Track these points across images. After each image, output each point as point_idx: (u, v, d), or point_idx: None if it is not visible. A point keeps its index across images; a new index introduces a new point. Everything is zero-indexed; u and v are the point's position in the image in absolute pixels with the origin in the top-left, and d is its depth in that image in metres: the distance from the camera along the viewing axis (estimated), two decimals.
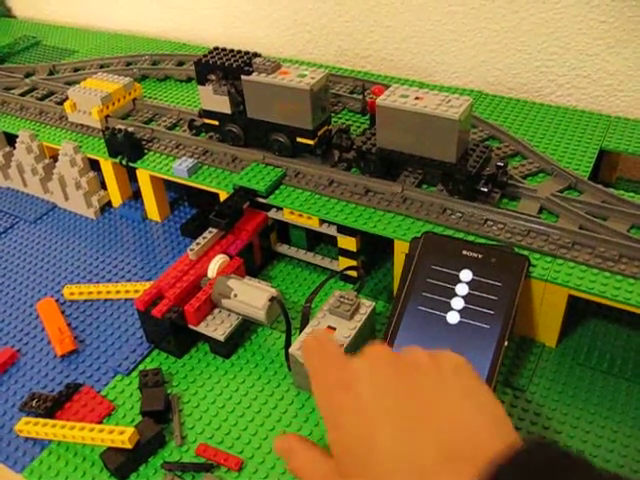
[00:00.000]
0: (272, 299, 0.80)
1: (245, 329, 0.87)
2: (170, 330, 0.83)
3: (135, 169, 1.07)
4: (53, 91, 1.32)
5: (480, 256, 0.78)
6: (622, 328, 0.84)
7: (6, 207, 1.19)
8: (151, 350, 0.87)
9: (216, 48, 1.01)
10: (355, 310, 0.79)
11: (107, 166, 1.10)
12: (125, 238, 1.09)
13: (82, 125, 1.18)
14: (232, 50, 0.99)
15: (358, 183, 0.92)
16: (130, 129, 1.07)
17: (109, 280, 1.00)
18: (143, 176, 1.07)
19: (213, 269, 0.87)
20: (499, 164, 0.87)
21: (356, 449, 0.44)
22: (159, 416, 0.77)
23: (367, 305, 0.81)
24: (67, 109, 1.17)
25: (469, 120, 0.88)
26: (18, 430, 0.78)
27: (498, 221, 0.85)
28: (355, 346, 0.78)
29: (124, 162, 1.06)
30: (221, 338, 0.82)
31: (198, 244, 0.90)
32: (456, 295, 0.76)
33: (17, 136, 1.18)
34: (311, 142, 0.95)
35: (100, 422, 0.78)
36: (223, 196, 0.97)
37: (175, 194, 1.16)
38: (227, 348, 0.84)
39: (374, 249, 0.94)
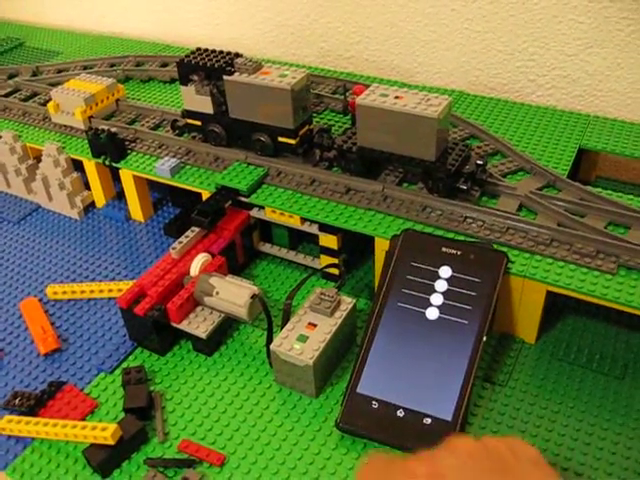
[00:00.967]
0: (254, 296, 0.81)
1: (227, 327, 0.88)
2: (153, 328, 0.83)
3: (118, 169, 1.07)
4: (37, 92, 1.32)
5: (459, 253, 0.79)
6: (600, 323, 0.85)
7: None
8: (134, 348, 0.88)
9: (198, 49, 1.01)
10: (336, 307, 0.80)
11: (91, 166, 1.11)
12: (109, 238, 1.09)
13: (65, 126, 1.18)
14: (214, 51, 1.00)
15: (339, 182, 0.93)
16: (113, 129, 1.08)
17: (92, 279, 1.00)
18: (126, 176, 1.07)
19: (195, 267, 0.88)
20: (478, 162, 0.88)
21: None
22: (142, 413, 0.77)
23: (348, 302, 0.81)
24: (50, 110, 1.17)
25: (448, 119, 0.89)
26: (0, 428, 0.78)
27: (477, 218, 0.86)
28: (335, 342, 0.79)
29: (107, 162, 1.07)
30: (203, 336, 0.83)
31: (180, 243, 0.91)
32: (435, 291, 0.77)
33: (0, 137, 1.18)
34: (293, 141, 0.96)
35: (83, 419, 0.78)
36: (206, 195, 0.98)
37: (158, 194, 1.17)
38: (209, 346, 0.85)
39: (355, 247, 0.95)
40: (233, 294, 0.82)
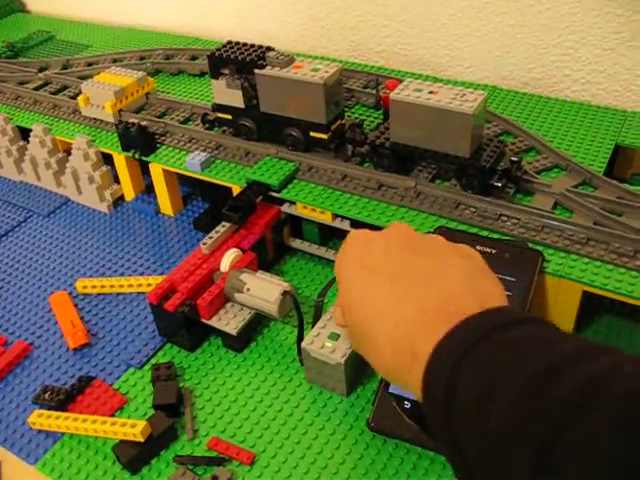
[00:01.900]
0: (285, 293, 0.80)
1: (257, 323, 0.87)
2: (183, 324, 0.83)
3: (148, 163, 1.07)
4: (66, 85, 1.32)
5: (494, 251, 0.78)
6: (637, 324, 0.84)
7: (20, 201, 1.19)
8: (164, 344, 0.87)
9: (229, 42, 1.00)
10: None
11: (120, 160, 1.11)
12: (138, 232, 1.09)
13: (95, 119, 1.18)
14: (245, 44, 0.99)
15: (371, 178, 0.92)
16: (143, 123, 1.08)
17: (122, 274, 1.00)
18: (156, 170, 1.07)
19: (226, 263, 0.87)
20: (513, 159, 0.87)
21: (352, 298, 0.54)
22: (171, 410, 0.77)
23: None
24: (80, 103, 1.17)
25: (483, 115, 0.87)
26: (31, 422, 0.78)
27: (512, 216, 0.84)
28: None
29: (137, 156, 1.06)
30: (234, 332, 0.82)
31: (211, 238, 0.90)
32: None
33: (31, 130, 1.18)
34: (324, 136, 0.95)
35: (112, 415, 0.78)
36: (236, 190, 0.97)
37: (188, 188, 1.16)
38: (239, 342, 0.84)
39: None
40: (264, 290, 0.81)
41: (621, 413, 0.34)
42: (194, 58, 1.38)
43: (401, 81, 0.91)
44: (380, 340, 0.49)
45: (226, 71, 0.99)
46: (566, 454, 0.34)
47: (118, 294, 0.96)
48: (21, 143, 1.22)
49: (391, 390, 0.72)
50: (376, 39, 1.36)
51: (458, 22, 1.24)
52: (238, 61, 0.96)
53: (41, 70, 1.41)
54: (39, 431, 0.78)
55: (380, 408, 0.72)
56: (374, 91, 1.14)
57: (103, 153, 1.13)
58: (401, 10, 1.29)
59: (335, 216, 0.91)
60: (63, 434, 0.77)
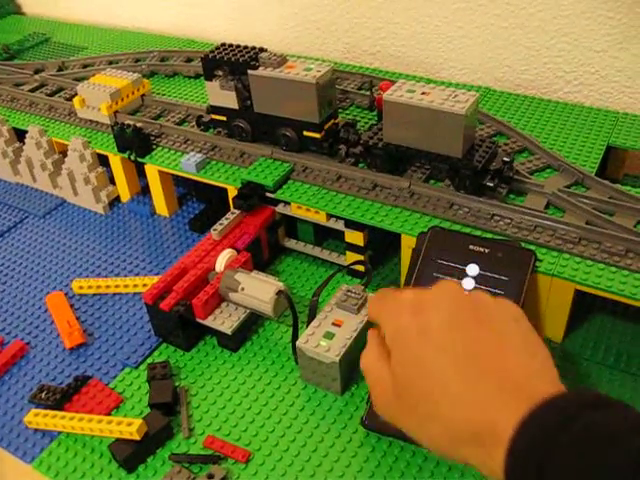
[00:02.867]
0: (279, 293, 0.81)
1: (252, 323, 0.88)
2: (178, 323, 0.83)
3: (144, 164, 1.07)
4: (62, 87, 1.32)
5: (487, 251, 0.78)
6: (628, 323, 0.84)
7: (16, 202, 1.20)
8: (159, 343, 0.88)
9: (223, 44, 1.01)
10: (362, 304, 0.80)
11: (116, 161, 1.11)
12: (133, 233, 1.09)
13: (91, 121, 1.18)
14: (239, 46, 1.00)
15: (366, 178, 0.92)
16: (139, 124, 1.08)
17: (118, 274, 1.01)
18: (151, 171, 1.07)
19: (221, 263, 0.88)
20: (505, 159, 0.88)
21: (415, 370, 0.47)
22: (167, 408, 0.77)
23: None
24: (76, 105, 1.18)
25: (475, 115, 0.88)
26: (27, 422, 0.78)
27: (505, 216, 0.85)
28: (362, 341, 0.78)
29: (133, 157, 1.07)
30: (228, 331, 0.83)
31: (221, 224, 0.92)
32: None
33: (27, 132, 1.18)
34: (318, 135, 0.96)
35: (108, 414, 0.78)
36: (231, 191, 0.98)
37: (183, 189, 1.17)
38: (235, 341, 0.85)
39: (381, 244, 0.95)
40: (258, 290, 0.82)
41: None
42: (189, 60, 1.38)
43: (395, 83, 0.91)
44: (449, 419, 0.45)
45: (220, 73, 0.99)
46: None
47: (114, 294, 0.97)
48: (17, 145, 1.23)
49: None
50: (370, 41, 1.36)
51: (451, 24, 1.25)
52: (231, 62, 0.97)
53: (37, 72, 1.41)
54: (35, 430, 0.79)
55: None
56: (368, 92, 1.15)
57: (99, 154, 1.13)
58: (395, 12, 1.29)
59: (329, 216, 0.91)
60: (59, 433, 0.78)
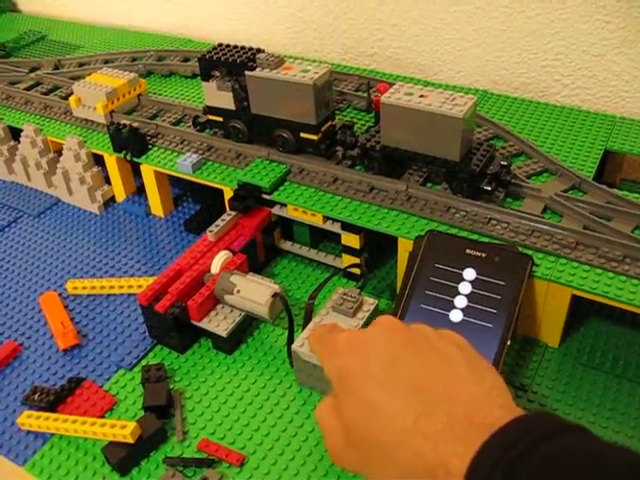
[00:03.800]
0: (275, 295, 0.80)
1: (248, 325, 0.87)
2: (173, 326, 0.83)
3: (139, 164, 1.07)
4: (58, 86, 1.32)
5: (484, 255, 0.78)
6: (625, 328, 0.84)
7: (10, 201, 1.19)
8: (154, 345, 0.87)
9: (220, 44, 1.01)
10: (358, 307, 0.79)
11: (111, 161, 1.11)
12: (129, 233, 1.09)
13: (87, 120, 1.18)
14: (236, 46, 1.00)
15: (362, 180, 0.92)
16: (135, 124, 1.08)
17: (112, 275, 1.00)
18: (147, 171, 1.07)
19: (216, 265, 0.87)
20: (503, 163, 0.87)
21: (362, 413, 0.46)
22: (161, 411, 0.77)
23: (370, 303, 0.81)
24: (72, 104, 1.17)
25: (473, 119, 0.88)
26: (20, 423, 0.78)
27: (502, 220, 0.85)
28: None
29: (128, 157, 1.06)
30: (224, 334, 0.82)
31: (217, 226, 0.92)
32: (459, 294, 0.76)
33: (22, 130, 1.18)
34: (315, 137, 0.95)
35: (102, 416, 0.78)
36: (227, 192, 0.97)
37: (179, 190, 1.16)
38: (230, 344, 0.84)
39: (378, 247, 0.94)
40: (254, 292, 0.82)
41: None
42: (186, 60, 1.38)
43: (392, 85, 0.91)
44: (402, 458, 0.44)
45: (217, 73, 0.99)
46: None
47: (108, 295, 0.96)
48: (12, 143, 1.22)
49: None
50: (368, 42, 1.36)
51: (449, 27, 1.24)
52: (228, 63, 0.97)
53: (32, 70, 1.41)
54: (28, 432, 0.78)
55: None
56: (366, 94, 1.15)
57: (94, 154, 1.13)
58: (393, 14, 1.29)
59: (326, 218, 0.91)
60: (52, 435, 0.77)
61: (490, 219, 0.85)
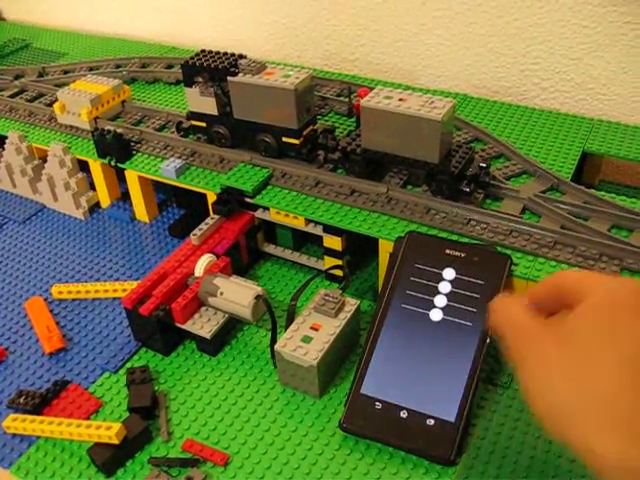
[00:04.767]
0: (258, 297, 0.81)
1: (232, 327, 0.88)
2: (157, 328, 0.84)
3: (124, 170, 1.07)
4: (42, 93, 1.32)
5: (463, 255, 0.79)
6: None
7: None
8: (139, 348, 0.88)
9: (203, 51, 1.02)
10: (340, 308, 0.80)
11: (96, 167, 1.11)
12: (113, 238, 1.09)
13: (71, 126, 1.18)
14: (218, 52, 1.01)
15: (344, 184, 0.93)
16: (119, 130, 1.08)
17: (97, 279, 1.01)
18: (132, 177, 1.07)
19: (200, 268, 0.88)
20: (481, 165, 0.89)
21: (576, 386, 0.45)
22: (146, 412, 0.78)
23: (352, 303, 0.82)
24: (56, 110, 1.18)
25: (452, 121, 0.89)
26: (5, 427, 0.78)
27: (481, 221, 0.86)
28: (339, 343, 0.79)
29: (113, 163, 1.07)
30: (208, 336, 0.83)
31: (201, 229, 0.93)
32: (439, 293, 0.77)
33: (6, 137, 1.18)
34: (297, 142, 0.96)
35: (87, 418, 0.78)
36: (211, 196, 0.98)
37: (163, 195, 1.17)
38: (214, 346, 0.85)
39: (359, 249, 0.96)
40: (237, 294, 0.83)
41: None
42: (170, 66, 1.39)
43: (373, 89, 0.92)
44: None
45: (199, 79, 1.00)
46: None
47: (94, 299, 0.97)
48: None
49: (363, 391, 0.73)
50: (350, 48, 1.38)
51: (429, 32, 1.26)
52: (211, 69, 0.98)
53: (17, 78, 1.41)
54: (13, 435, 0.78)
55: (352, 409, 0.73)
56: (347, 99, 1.16)
57: (79, 160, 1.13)
58: (374, 20, 1.31)
59: (308, 221, 0.92)
60: (38, 438, 0.78)
61: (469, 220, 0.86)
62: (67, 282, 1.01)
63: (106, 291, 0.97)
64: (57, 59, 1.54)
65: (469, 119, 1.10)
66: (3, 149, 1.19)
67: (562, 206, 0.88)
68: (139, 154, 1.08)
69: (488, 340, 0.74)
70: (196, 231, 0.92)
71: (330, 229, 0.90)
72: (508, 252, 0.81)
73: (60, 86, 1.27)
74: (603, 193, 0.90)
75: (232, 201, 0.94)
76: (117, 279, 1.00)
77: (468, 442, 0.72)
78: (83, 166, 1.14)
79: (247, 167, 0.99)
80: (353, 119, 1.13)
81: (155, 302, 0.84)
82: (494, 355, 0.82)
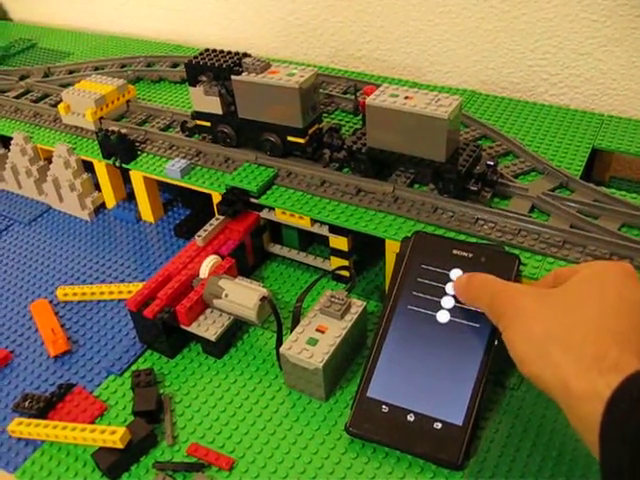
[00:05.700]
0: (263, 299, 0.81)
1: (237, 329, 0.88)
2: (162, 330, 0.83)
3: (129, 170, 1.07)
4: (48, 93, 1.32)
5: (470, 255, 0.78)
6: None
7: (1, 209, 1.19)
8: (144, 350, 0.88)
9: (207, 50, 1.01)
10: (346, 310, 0.79)
11: (101, 168, 1.11)
12: (119, 239, 1.09)
13: (76, 127, 1.18)
14: (222, 51, 1.00)
15: (350, 183, 0.92)
16: (123, 131, 1.08)
17: (103, 281, 1.00)
18: (137, 177, 1.07)
19: (205, 269, 0.87)
20: (489, 163, 0.88)
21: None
22: (151, 416, 0.77)
23: (358, 305, 0.81)
24: (61, 111, 1.17)
25: (459, 119, 0.88)
26: (11, 431, 0.78)
27: (489, 220, 0.85)
28: (345, 345, 0.78)
29: (118, 163, 1.06)
30: (213, 338, 0.83)
31: (206, 230, 0.92)
32: (446, 294, 0.76)
33: (12, 138, 1.18)
34: (302, 140, 0.95)
35: (92, 422, 0.78)
36: (216, 197, 0.97)
37: (169, 195, 1.17)
38: (219, 348, 0.84)
39: (366, 249, 0.95)
40: (242, 296, 0.82)
41: None
42: (175, 65, 1.38)
43: (379, 87, 0.91)
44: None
45: (204, 78, 0.99)
46: None
47: (99, 301, 0.96)
48: (2, 151, 1.22)
49: (369, 394, 0.73)
50: (356, 45, 1.37)
51: (436, 28, 1.25)
52: (215, 68, 0.97)
53: (22, 78, 1.41)
54: (19, 439, 0.78)
55: (358, 412, 0.72)
56: (353, 97, 1.15)
57: (84, 161, 1.13)
58: (380, 16, 1.29)
59: (314, 221, 0.91)
60: (43, 442, 0.77)
61: (477, 219, 0.85)
62: (72, 284, 1.00)
63: (111, 293, 0.96)
64: (63, 59, 1.53)
65: (477, 116, 1.09)
66: (8, 150, 1.19)
67: (571, 204, 0.87)
68: (144, 154, 1.08)
69: (496, 342, 0.72)
70: (201, 232, 0.92)
71: (336, 229, 0.89)
72: (516, 252, 0.80)
73: (65, 86, 1.26)
74: (613, 190, 0.89)
75: (237, 201, 0.93)
76: (122, 280, 1.00)
77: (476, 446, 0.71)
78: (88, 167, 1.13)
79: (252, 167, 0.98)
80: (359, 117, 1.12)
81: (160, 304, 0.83)
82: (503, 357, 0.80)
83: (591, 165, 1.04)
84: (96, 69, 1.40)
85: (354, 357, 0.82)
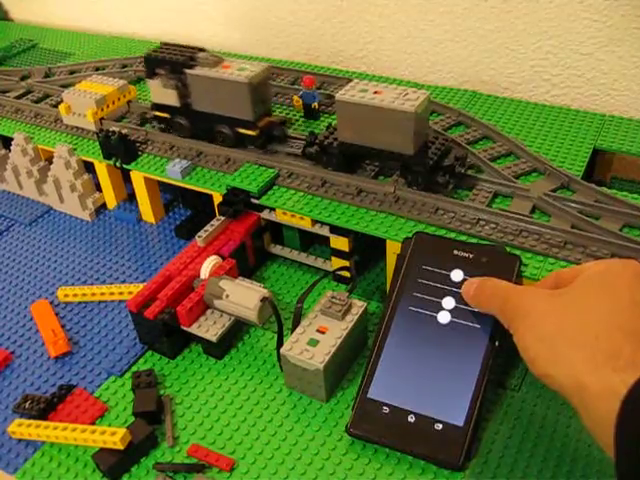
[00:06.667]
0: (263, 299, 0.80)
1: (238, 330, 0.87)
2: (163, 331, 0.83)
3: (129, 171, 1.07)
4: (48, 94, 1.32)
5: (471, 256, 0.78)
6: None
7: (1, 210, 1.19)
8: (144, 351, 0.87)
9: (166, 44, 1.05)
10: (347, 310, 0.79)
11: (102, 168, 1.11)
12: (120, 240, 1.09)
13: (77, 127, 1.18)
14: (180, 45, 1.05)
15: (350, 184, 0.92)
16: (124, 131, 1.08)
17: (103, 282, 1.00)
18: (137, 178, 1.07)
19: (206, 270, 0.87)
20: (457, 155, 0.89)
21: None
22: (151, 417, 0.77)
23: (359, 305, 0.81)
24: (62, 112, 1.17)
25: (427, 113, 0.90)
26: (11, 432, 0.78)
27: (490, 221, 0.84)
28: (346, 346, 0.78)
29: (118, 164, 1.06)
30: (213, 339, 0.82)
31: (206, 231, 0.92)
32: (447, 295, 0.76)
33: (12, 139, 1.18)
34: (253, 133, 0.99)
35: (93, 423, 0.78)
36: (217, 197, 0.97)
37: (169, 196, 1.16)
38: (220, 349, 0.84)
39: (367, 249, 0.94)
40: (243, 297, 0.82)
41: None
42: None
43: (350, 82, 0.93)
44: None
45: (161, 71, 1.02)
46: None
47: (99, 302, 0.96)
48: (2, 152, 1.22)
49: (370, 395, 0.72)
50: (357, 45, 1.36)
51: (437, 28, 1.24)
52: (171, 62, 1.01)
53: (23, 78, 1.40)
54: (19, 440, 0.78)
55: (359, 413, 0.72)
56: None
57: (85, 161, 1.13)
58: (381, 17, 1.29)
59: (314, 222, 0.91)
60: (43, 443, 0.77)
61: (478, 220, 0.85)
62: (73, 284, 1.00)
63: (112, 294, 0.96)
64: (63, 59, 1.53)
65: (478, 116, 1.09)
66: (9, 151, 1.19)
67: (573, 205, 0.86)
68: (145, 155, 1.08)
69: (497, 343, 0.72)
70: (201, 233, 0.92)
71: (337, 230, 0.89)
72: (517, 252, 0.79)
73: (66, 86, 1.26)
74: (615, 191, 0.89)
75: (238, 202, 0.93)
76: (123, 281, 1.00)
77: (477, 447, 0.70)
78: (89, 167, 1.13)
79: (253, 167, 0.98)
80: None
81: (160, 305, 0.83)
82: (504, 358, 0.81)
83: (592, 165, 1.03)
84: (97, 69, 1.40)
85: (355, 358, 0.82)
